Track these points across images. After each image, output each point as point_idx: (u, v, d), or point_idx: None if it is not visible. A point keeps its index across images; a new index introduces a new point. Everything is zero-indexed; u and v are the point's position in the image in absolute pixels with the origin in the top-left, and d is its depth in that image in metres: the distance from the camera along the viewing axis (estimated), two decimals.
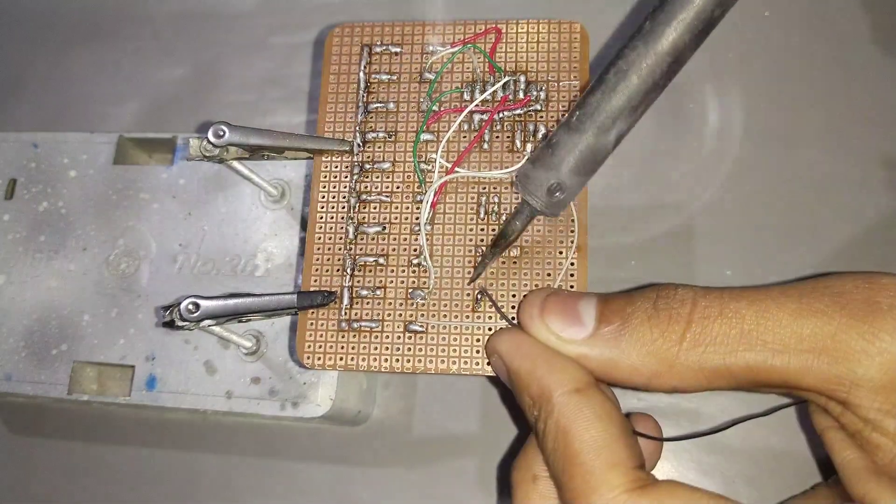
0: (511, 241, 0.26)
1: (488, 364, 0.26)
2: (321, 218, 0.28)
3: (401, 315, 0.27)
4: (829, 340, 0.21)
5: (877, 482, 0.21)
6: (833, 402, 0.22)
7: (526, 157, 0.26)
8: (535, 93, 0.28)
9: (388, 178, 0.28)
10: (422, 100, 0.29)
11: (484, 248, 0.27)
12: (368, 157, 0.29)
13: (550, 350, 0.23)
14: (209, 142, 0.27)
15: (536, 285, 0.26)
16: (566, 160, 0.24)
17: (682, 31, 0.22)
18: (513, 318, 0.26)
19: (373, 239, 0.28)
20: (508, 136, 0.28)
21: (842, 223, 0.34)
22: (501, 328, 0.26)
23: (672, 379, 0.22)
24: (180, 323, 0.26)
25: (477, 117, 0.28)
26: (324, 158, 0.29)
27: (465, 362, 0.26)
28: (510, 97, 0.28)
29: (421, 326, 0.27)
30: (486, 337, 0.26)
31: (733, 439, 0.32)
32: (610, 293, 0.24)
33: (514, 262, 0.27)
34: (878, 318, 0.20)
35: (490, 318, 0.26)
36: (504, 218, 0.27)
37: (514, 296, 0.26)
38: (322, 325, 0.27)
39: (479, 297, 0.26)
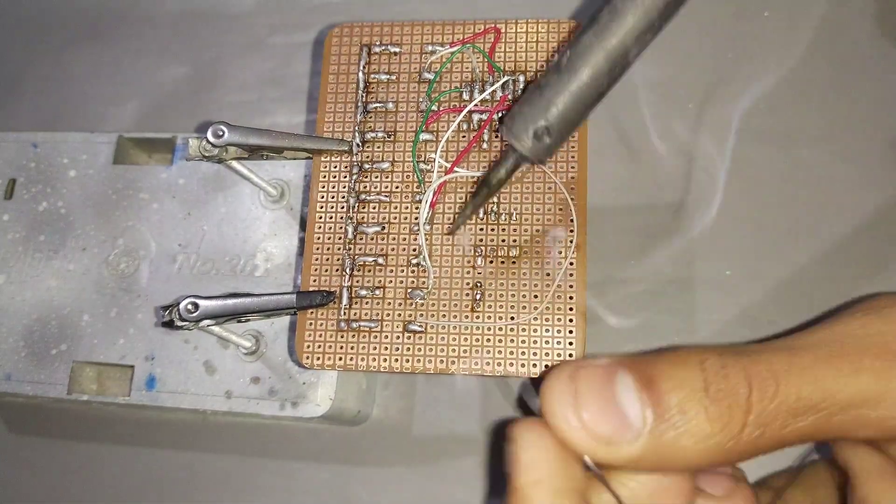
0: (494, 190, 0.25)
1: (524, 369, 0.25)
2: (320, 218, 0.28)
3: (400, 315, 0.27)
4: (883, 392, 0.20)
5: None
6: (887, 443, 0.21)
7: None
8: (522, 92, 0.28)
9: (387, 177, 0.28)
10: (421, 100, 0.29)
11: (483, 248, 0.27)
12: (367, 156, 0.29)
13: (571, 486, 0.20)
14: (208, 142, 0.27)
15: (535, 285, 0.26)
16: (555, 102, 0.22)
17: None
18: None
19: (372, 239, 0.28)
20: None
21: (842, 223, 0.34)
22: (532, 422, 0.21)
23: (726, 463, 0.20)
24: (180, 323, 0.26)
25: (476, 117, 0.28)
26: (323, 158, 0.29)
27: (465, 362, 0.26)
28: (509, 97, 0.28)
29: (420, 326, 0.27)
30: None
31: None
32: (641, 357, 0.20)
33: (514, 262, 0.27)
34: None
35: (489, 317, 0.26)
36: (503, 217, 0.27)
37: (513, 295, 0.26)
38: (321, 325, 0.27)
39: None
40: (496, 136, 0.28)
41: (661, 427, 0.19)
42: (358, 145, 0.29)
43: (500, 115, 0.28)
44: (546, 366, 0.26)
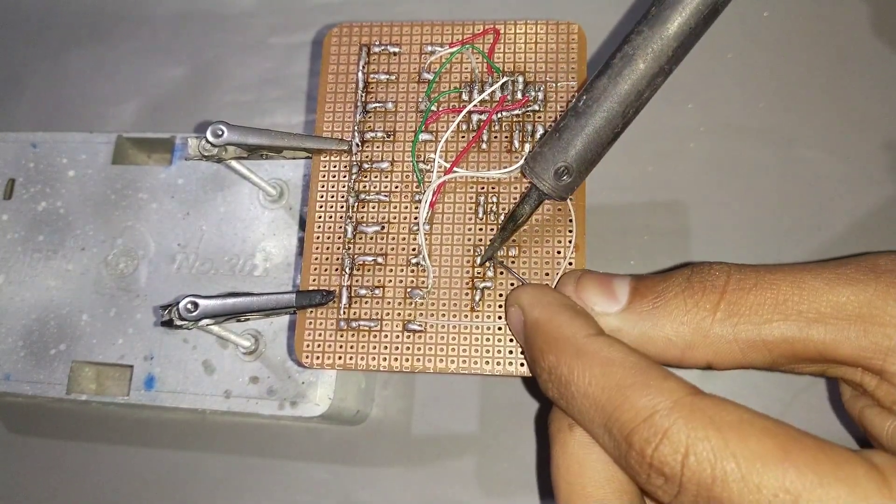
0: (520, 224, 0.26)
1: (523, 369, 0.26)
2: (320, 217, 0.28)
3: (399, 314, 0.27)
4: (864, 308, 0.21)
5: None
6: (869, 375, 0.22)
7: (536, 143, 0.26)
8: (533, 93, 0.28)
9: (386, 177, 0.28)
10: (420, 100, 0.29)
11: (482, 248, 0.27)
12: (367, 156, 0.29)
13: (572, 302, 0.23)
14: (208, 141, 0.27)
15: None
16: (573, 144, 0.24)
17: (688, 16, 0.22)
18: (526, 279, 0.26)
19: (371, 238, 0.28)
20: (507, 137, 0.28)
21: (842, 222, 0.34)
22: (528, 284, 0.26)
23: (706, 351, 0.22)
24: (179, 322, 0.26)
25: (475, 117, 0.28)
26: (322, 158, 0.29)
27: (464, 361, 0.26)
28: (508, 97, 0.28)
29: (419, 326, 0.27)
30: (507, 293, 0.26)
31: None
32: (642, 274, 0.24)
33: (513, 262, 0.27)
34: None
35: (489, 316, 0.26)
36: (502, 217, 0.27)
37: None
38: (321, 324, 0.27)
39: (489, 265, 0.27)
40: (495, 137, 0.28)
41: (641, 303, 0.23)
42: (357, 145, 0.29)
43: (499, 115, 0.28)
44: None
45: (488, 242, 0.27)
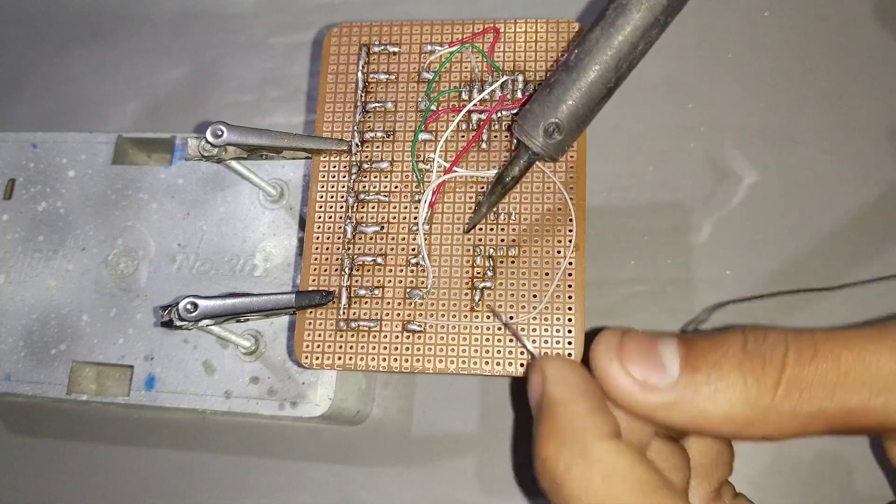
0: (509, 187, 0.25)
1: (523, 369, 0.25)
2: (319, 218, 0.28)
3: (399, 315, 0.27)
4: None
5: None
6: None
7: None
8: (533, 92, 0.28)
9: (386, 177, 0.28)
10: (420, 99, 0.29)
11: (482, 248, 0.27)
12: (367, 156, 0.29)
13: (599, 392, 0.21)
14: (208, 141, 0.27)
15: (534, 284, 0.26)
16: (564, 99, 0.23)
17: None
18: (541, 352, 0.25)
19: (371, 238, 0.28)
20: (507, 136, 0.28)
21: (842, 223, 0.34)
22: (559, 355, 0.25)
23: (766, 427, 0.20)
24: (179, 322, 0.26)
25: (475, 117, 0.28)
26: (322, 158, 0.29)
27: (464, 362, 0.26)
28: (508, 96, 0.28)
29: (419, 326, 0.26)
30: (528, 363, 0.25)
31: None
32: (688, 334, 0.22)
33: (513, 262, 0.27)
34: None
35: (489, 317, 0.26)
36: (503, 217, 0.27)
37: (511, 295, 0.26)
38: (320, 324, 0.27)
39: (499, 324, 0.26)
40: (495, 137, 0.28)
41: (696, 377, 0.20)
42: (357, 145, 0.29)
43: (499, 114, 0.28)
44: None
45: (475, 207, 0.26)
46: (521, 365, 0.26)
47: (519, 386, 0.34)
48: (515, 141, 0.26)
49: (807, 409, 0.20)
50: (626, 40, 0.22)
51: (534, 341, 0.26)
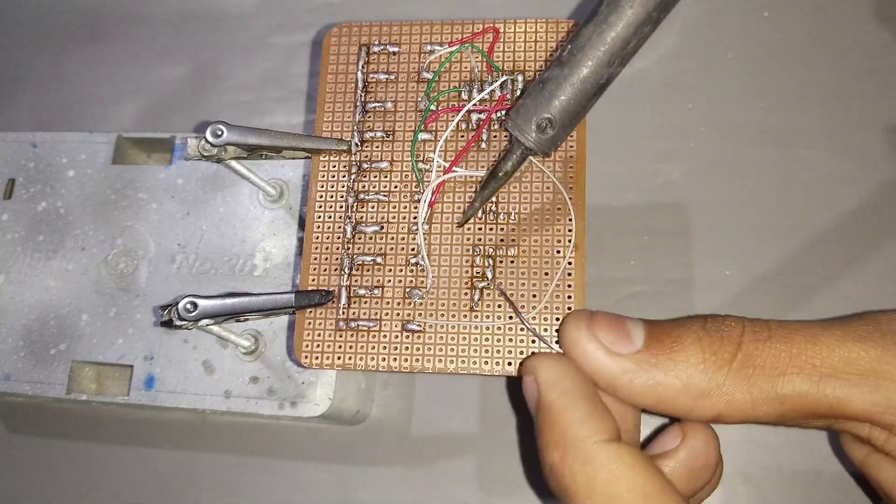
0: (502, 182, 0.25)
1: (519, 376, 0.25)
2: (319, 217, 0.28)
3: (399, 314, 0.27)
4: (875, 364, 0.21)
5: None
6: (877, 430, 0.22)
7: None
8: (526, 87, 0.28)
9: (385, 177, 0.28)
10: (419, 99, 0.29)
11: (482, 248, 0.27)
12: (366, 156, 0.29)
13: (593, 392, 0.22)
14: (207, 141, 0.27)
15: (534, 284, 0.26)
16: (556, 95, 0.23)
17: None
18: (554, 340, 0.25)
19: (370, 238, 0.28)
20: (506, 136, 0.28)
21: (842, 223, 0.34)
22: (546, 352, 0.25)
23: (719, 401, 0.21)
24: (178, 322, 0.26)
25: (475, 116, 0.28)
26: (322, 158, 0.29)
27: (463, 361, 0.26)
28: (508, 96, 0.28)
29: (419, 326, 0.26)
30: (521, 359, 0.25)
31: (732, 437, 0.32)
32: (653, 320, 0.23)
33: (512, 262, 0.27)
34: None
35: (488, 316, 0.26)
36: (502, 217, 0.27)
37: (511, 295, 0.26)
38: (320, 324, 0.27)
39: (498, 296, 0.26)
40: (494, 136, 0.28)
41: (658, 347, 0.22)
42: (356, 145, 0.29)
43: (498, 114, 0.28)
44: None
45: (468, 202, 0.27)
46: (521, 365, 0.26)
47: (518, 386, 0.34)
48: (508, 136, 0.26)
49: (759, 386, 0.21)
50: (619, 37, 0.23)
51: (534, 342, 0.26)
